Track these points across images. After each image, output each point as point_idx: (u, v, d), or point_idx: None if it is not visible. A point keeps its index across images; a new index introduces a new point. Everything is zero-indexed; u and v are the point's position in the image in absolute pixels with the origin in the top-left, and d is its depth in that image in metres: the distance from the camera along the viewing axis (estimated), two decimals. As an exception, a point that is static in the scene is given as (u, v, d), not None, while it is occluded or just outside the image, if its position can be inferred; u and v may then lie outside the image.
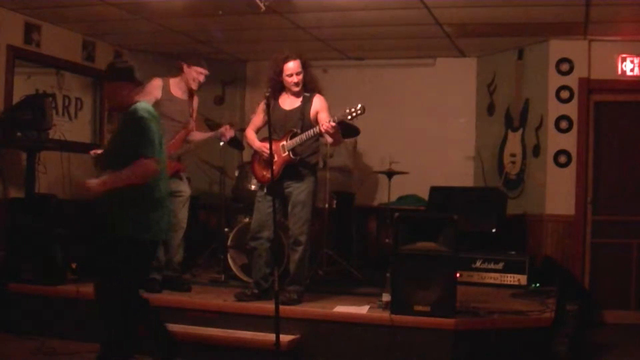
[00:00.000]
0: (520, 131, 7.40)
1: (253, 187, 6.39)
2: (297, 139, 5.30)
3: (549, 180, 7.08)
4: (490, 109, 7.83)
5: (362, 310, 5.18)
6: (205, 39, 7.48)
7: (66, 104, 7.32)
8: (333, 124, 5.07)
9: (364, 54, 8.22)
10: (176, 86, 5.87)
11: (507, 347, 4.90)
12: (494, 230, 6.77)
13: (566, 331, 5.27)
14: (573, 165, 7.04)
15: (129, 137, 4.07)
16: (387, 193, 7.33)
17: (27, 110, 6.22)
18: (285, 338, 4.86)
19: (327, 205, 6.90)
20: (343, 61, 8.37)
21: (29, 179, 6.32)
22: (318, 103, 5.42)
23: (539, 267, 6.68)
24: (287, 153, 5.33)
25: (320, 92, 5.50)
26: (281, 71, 5.39)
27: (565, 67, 7.06)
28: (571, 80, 7.05)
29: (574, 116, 7.04)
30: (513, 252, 6.59)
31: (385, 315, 4.98)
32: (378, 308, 5.19)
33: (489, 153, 7.78)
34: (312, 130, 5.25)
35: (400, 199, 7.83)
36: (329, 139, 5.28)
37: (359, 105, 5.02)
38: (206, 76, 5.94)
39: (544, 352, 5.03)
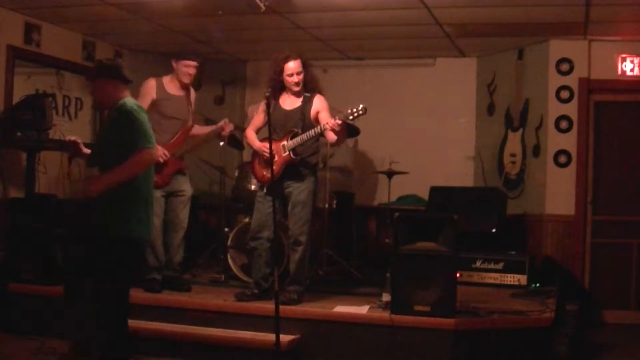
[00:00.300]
0: (520, 131, 7.40)
1: (253, 187, 6.40)
2: (297, 139, 5.30)
3: (549, 180, 7.08)
4: (490, 109, 7.83)
5: (362, 310, 5.19)
6: (205, 39, 7.48)
7: (66, 104, 7.33)
8: (339, 121, 5.06)
9: (364, 54, 8.22)
10: (170, 84, 5.87)
11: (507, 347, 4.90)
12: (494, 230, 6.77)
13: (566, 331, 5.27)
14: (573, 165, 7.04)
15: (122, 131, 4.06)
16: (387, 193, 7.33)
17: (27, 110, 6.22)
18: (285, 338, 4.86)
19: (327, 205, 6.90)
20: (343, 61, 8.37)
21: (29, 179, 6.32)
22: (318, 103, 5.42)
23: (539, 267, 6.68)
24: (287, 153, 5.33)
25: (320, 92, 5.50)
26: (281, 71, 5.39)
27: (565, 67, 7.06)
28: (571, 80, 7.05)
29: (574, 116, 7.04)
30: (513, 252, 6.59)
31: (385, 315, 4.98)
32: (378, 308, 5.19)
33: (489, 153, 7.78)
34: (312, 130, 5.25)
35: (400, 199, 7.83)
36: (332, 138, 5.27)
37: (361, 106, 5.01)
38: (197, 68, 5.90)
39: (544, 352, 5.03)
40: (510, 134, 7.48)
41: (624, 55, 6.96)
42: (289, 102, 5.47)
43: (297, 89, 5.41)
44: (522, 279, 6.39)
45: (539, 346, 5.01)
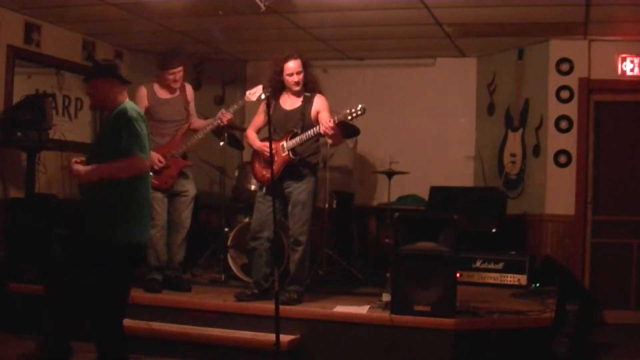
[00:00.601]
0: (520, 131, 7.40)
1: (253, 187, 6.40)
2: (297, 139, 5.30)
3: (549, 180, 7.08)
4: (490, 109, 7.83)
5: (362, 310, 5.18)
6: (205, 39, 7.48)
7: (66, 104, 7.32)
8: (332, 124, 5.07)
9: (364, 54, 8.22)
10: (161, 89, 5.84)
11: (507, 347, 4.90)
12: (494, 230, 6.77)
13: (566, 331, 5.27)
14: (573, 165, 7.04)
15: (120, 135, 4.03)
16: (387, 193, 7.33)
17: (27, 110, 6.22)
18: (285, 338, 4.86)
19: (327, 205, 6.90)
20: (343, 61, 8.37)
21: (29, 179, 6.32)
22: (319, 103, 5.42)
23: (539, 267, 6.68)
24: (286, 153, 5.33)
25: (320, 92, 5.50)
26: (281, 71, 5.39)
27: (565, 67, 7.06)
28: (571, 80, 7.05)
29: (574, 116, 7.04)
30: (513, 252, 6.60)
31: (385, 315, 4.98)
32: (378, 308, 5.19)
33: (489, 153, 7.78)
34: (312, 131, 5.25)
35: (400, 199, 7.83)
36: (329, 140, 5.28)
37: (360, 106, 5.02)
38: (183, 70, 5.83)
39: (544, 352, 5.03)
40: (510, 134, 7.49)
41: (624, 55, 6.96)
42: (289, 102, 5.47)
43: (296, 88, 5.41)
44: (522, 279, 6.40)
45: (539, 346, 5.01)
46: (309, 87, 5.47)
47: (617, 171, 7.09)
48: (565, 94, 7.06)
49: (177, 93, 5.89)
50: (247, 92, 5.62)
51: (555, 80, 7.08)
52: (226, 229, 6.60)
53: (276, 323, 4.34)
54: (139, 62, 7.76)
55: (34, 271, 5.78)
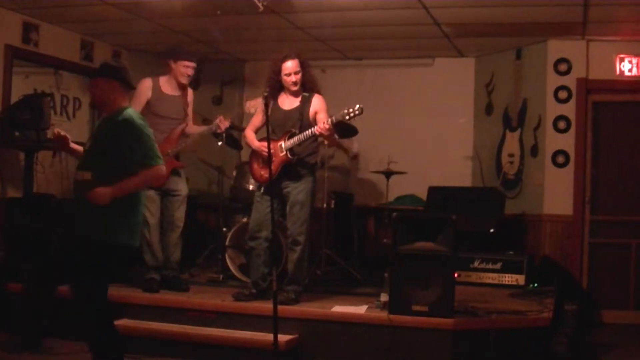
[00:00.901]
0: (519, 131, 7.41)
1: (251, 187, 6.40)
2: (295, 139, 5.30)
3: (547, 180, 7.08)
4: (489, 109, 7.83)
5: (360, 310, 5.19)
6: (205, 39, 7.47)
7: (64, 103, 7.32)
8: (327, 126, 5.07)
9: (363, 54, 8.22)
10: (167, 84, 5.85)
11: (505, 347, 4.90)
12: (492, 230, 6.76)
13: (565, 331, 5.27)
14: (571, 165, 7.04)
15: (126, 143, 3.99)
16: (386, 193, 7.33)
17: (25, 110, 6.21)
18: (283, 338, 4.87)
19: (325, 205, 6.90)
20: (342, 61, 8.37)
21: (27, 179, 6.31)
22: (317, 103, 5.42)
23: (537, 267, 6.68)
24: (285, 153, 5.33)
25: (319, 92, 5.49)
26: (280, 70, 5.39)
27: (563, 67, 7.06)
28: (569, 81, 7.05)
29: (572, 116, 7.04)
30: (511, 252, 6.60)
31: (384, 315, 4.99)
32: (376, 308, 5.20)
33: (487, 153, 7.78)
34: (310, 131, 5.25)
35: (398, 199, 7.83)
36: (324, 141, 5.29)
37: (357, 106, 5.02)
38: (194, 68, 5.89)
39: (543, 352, 5.04)
40: (509, 134, 7.49)
41: (622, 56, 6.96)
42: (288, 102, 5.47)
43: (294, 88, 5.41)
44: (521, 279, 6.40)
45: (537, 346, 5.02)
46: (307, 87, 5.47)
47: (615, 171, 7.09)
48: (563, 94, 7.06)
49: (180, 92, 5.90)
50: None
51: (553, 81, 7.08)
52: (224, 229, 6.60)
53: (274, 323, 4.35)
54: (138, 62, 7.75)
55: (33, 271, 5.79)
